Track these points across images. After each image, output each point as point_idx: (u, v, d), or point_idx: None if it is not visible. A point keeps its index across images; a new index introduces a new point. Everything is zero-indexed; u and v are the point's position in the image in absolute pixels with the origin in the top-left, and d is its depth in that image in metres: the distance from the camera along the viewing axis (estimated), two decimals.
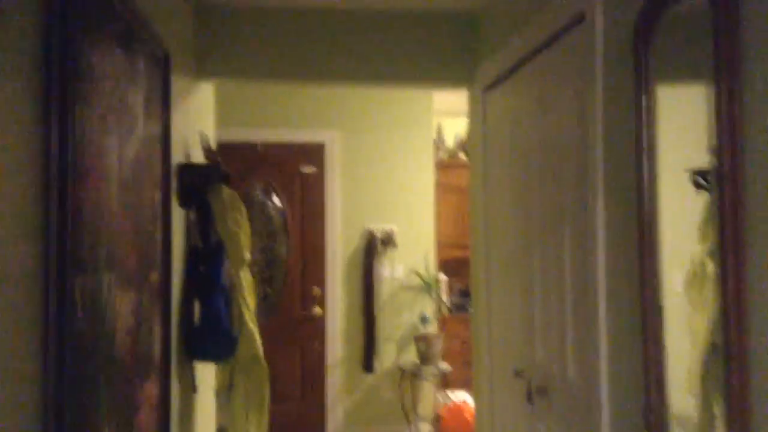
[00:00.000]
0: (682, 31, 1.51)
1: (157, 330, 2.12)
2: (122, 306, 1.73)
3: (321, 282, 4.93)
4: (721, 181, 1.30)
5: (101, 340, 1.57)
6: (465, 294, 5.47)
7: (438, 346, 4.79)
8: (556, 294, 2.20)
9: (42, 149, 1.24)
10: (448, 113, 5.77)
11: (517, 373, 2.48)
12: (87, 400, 1.46)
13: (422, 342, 4.76)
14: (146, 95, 1.95)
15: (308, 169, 4.95)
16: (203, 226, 2.81)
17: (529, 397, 2.35)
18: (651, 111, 1.61)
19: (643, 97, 1.62)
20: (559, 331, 2.17)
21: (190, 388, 2.67)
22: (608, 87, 1.84)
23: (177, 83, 2.44)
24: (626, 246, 1.73)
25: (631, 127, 1.67)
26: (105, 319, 1.59)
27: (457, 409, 4.76)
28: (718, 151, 1.31)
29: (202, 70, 3.03)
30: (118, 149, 1.68)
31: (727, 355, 1.26)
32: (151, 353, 2.05)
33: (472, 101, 3.17)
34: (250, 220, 4.84)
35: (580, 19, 1.98)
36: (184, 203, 2.60)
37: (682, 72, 1.58)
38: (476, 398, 3.25)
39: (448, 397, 4.94)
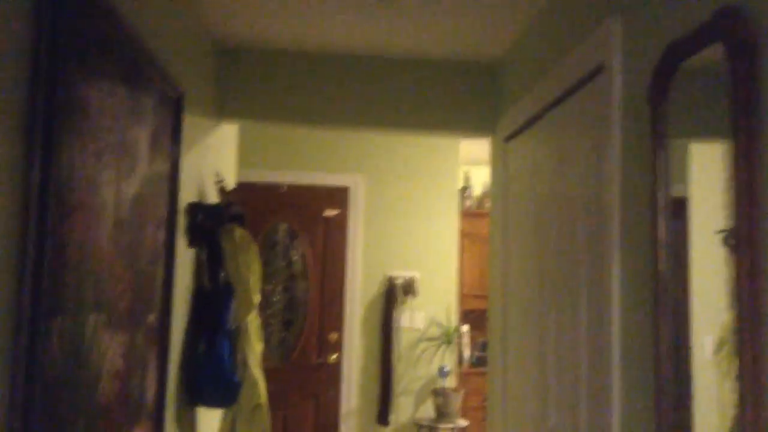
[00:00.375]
0: (699, 85, 1.43)
1: (153, 373, 2.06)
2: (110, 348, 1.67)
3: (339, 328, 4.84)
4: (739, 243, 1.20)
5: (82, 384, 1.51)
6: (487, 347, 5.31)
7: (457, 401, 4.62)
8: (571, 356, 2.08)
9: (22, 183, 1.21)
10: (476, 162, 5.72)
11: None
12: None
13: (440, 396, 4.61)
14: (153, 133, 1.93)
15: (331, 213, 4.92)
16: (213, 266, 2.76)
17: None
18: (667, 167, 1.52)
19: (660, 153, 1.54)
20: (573, 398, 2.05)
21: None
22: (626, 141, 1.76)
23: (191, 123, 2.43)
24: (644, 310, 1.62)
25: (648, 183, 1.58)
26: (88, 361, 1.54)
27: None
28: (736, 212, 1.22)
29: (223, 110, 3.03)
30: (115, 186, 1.65)
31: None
32: (143, 398, 1.99)
33: (494, 150, 3.11)
34: (272, 261, 4.82)
35: (598, 70, 1.92)
36: (193, 243, 2.56)
37: (701, 127, 1.49)
38: None
39: None
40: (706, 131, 1.46)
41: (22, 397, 1.23)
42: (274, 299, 4.81)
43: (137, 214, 1.83)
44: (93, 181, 1.50)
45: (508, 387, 2.80)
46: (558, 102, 2.26)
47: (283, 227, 4.90)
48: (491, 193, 3.21)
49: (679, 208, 1.55)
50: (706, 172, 1.49)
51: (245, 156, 4.24)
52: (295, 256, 4.90)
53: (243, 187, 3.73)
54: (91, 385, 1.57)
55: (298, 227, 4.90)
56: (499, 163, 2.99)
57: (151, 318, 2.01)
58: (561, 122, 2.26)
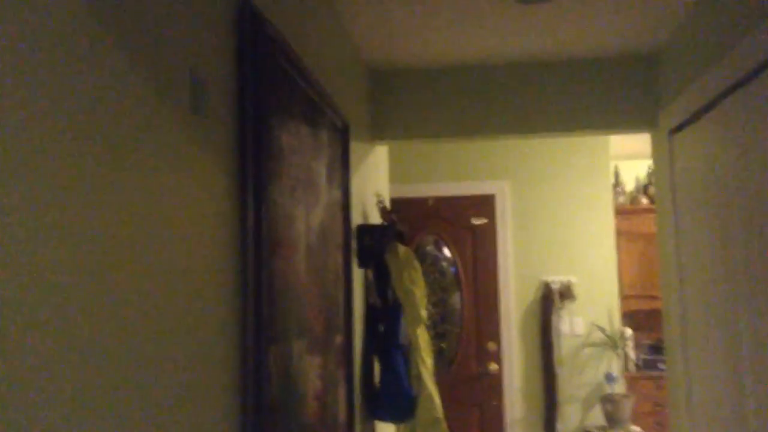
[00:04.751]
0: None
1: (342, 392, 2.15)
2: (311, 371, 1.77)
3: (496, 337, 4.80)
4: None
5: (293, 407, 1.61)
6: (655, 350, 5.06)
7: (627, 407, 4.43)
8: None
9: (239, 223, 1.32)
10: (625, 156, 5.49)
11: None
12: None
13: (609, 403, 4.43)
14: (329, 164, 2.03)
15: (479, 221, 4.91)
16: (380, 284, 2.85)
17: None
18: None
19: None
20: None
21: None
22: None
23: (355, 149, 2.53)
24: None
25: None
26: (296, 385, 1.64)
27: None
28: None
29: (376, 133, 3.13)
30: (305, 218, 1.75)
31: None
32: (336, 416, 2.08)
33: (657, 145, 2.97)
34: (423, 275, 4.89)
35: None
36: (362, 263, 2.66)
37: None
38: None
39: None
40: None
41: (252, 423, 1.33)
42: (429, 311, 4.86)
43: (322, 242, 1.93)
44: (290, 215, 1.60)
45: (693, 393, 2.64)
46: (731, 91, 2.13)
47: (431, 239, 4.95)
48: (656, 188, 3.06)
49: None
50: None
51: (391, 172, 4.34)
52: (446, 267, 4.93)
53: (391, 204, 3.82)
54: (299, 407, 1.67)
55: (447, 238, 4.93)
56: (664, 157, 2.85)
57: (339, 339, 2.11)
58: (738, 111, 2.12)
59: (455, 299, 4.89)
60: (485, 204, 4.91)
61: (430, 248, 4.96)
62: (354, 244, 2.49)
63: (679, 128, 2.64)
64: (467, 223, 4.91)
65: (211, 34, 1.23)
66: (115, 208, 0.88)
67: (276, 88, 1.53)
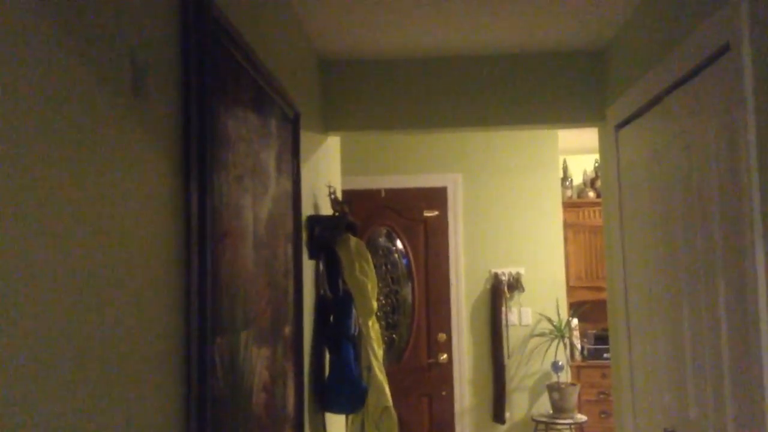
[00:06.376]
0: None
1: (291, 384, 2.14)
2: (258, 363, 1.75)
3: (447, 328, 4.85)
4: None
5: (239, 398, 1.59)
6: (600, 340, 5.18)
7: (573, 395, 4.53)
8: (710, 346, 2.00)
9: (183, 211, 1.29)
10: (574, 150, 5.59)
11: None
12: None
13: (556, 391, 4.53)
14: (278, 154, 2.00)
15: (431, 213, 4.93)
16: (331, 276, 2.84)
17: None
18: None
19: None
20: (716, 387, 1.97)
21: None
22: (761, 120, 1.67)
23: (306, 140, 2.50)
24: None
25: None
26: (243, 377, 1.61)
27: None
28: None
29: (328, 124, 3.11)
30: (252, 208, 1.72)
31: None
32: (285, 407, 2.06)
33: (604, 139, 3.03)
34: (375, 266, 4.89)
35: (723, 50, 1.84)
36: (313, 255, 2.64)
37: None
38: None
39: None
40: None
41: (196, 416, 1.30)
42: (381, 303, 4.87)
43: (270, 233, 1.91)
44: (237, 205, 1.57)
45: (636, 380, 2.72)
46: (676, 86, 2.19)
47: (384, 231, 4.96)
48: (602, 182, 3.13)
49: None
50: None
51: (343, 163, 4.32)
52: (398, 259, 4.95)
53: (343, 195, 3.80)
54: (246, 399, 1.64)
55: (400, 230, 4.95)
56: (610, 151, 2.91)
57: (287, 330, 2.09)
58: (682, 106, 2.18)
59: (407, 291, 4.92)
60: (437, 196, 4.95)
61: (382, 240, 4.97)
62: (304, 236, 2.47)
63: (625, 123, 2.70)
64: (419, 216, 4.94)
65: (154, 15, 1.19)
66: (47, 195, 0.85)
67: (222, 73, 1.49)
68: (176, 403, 1.25)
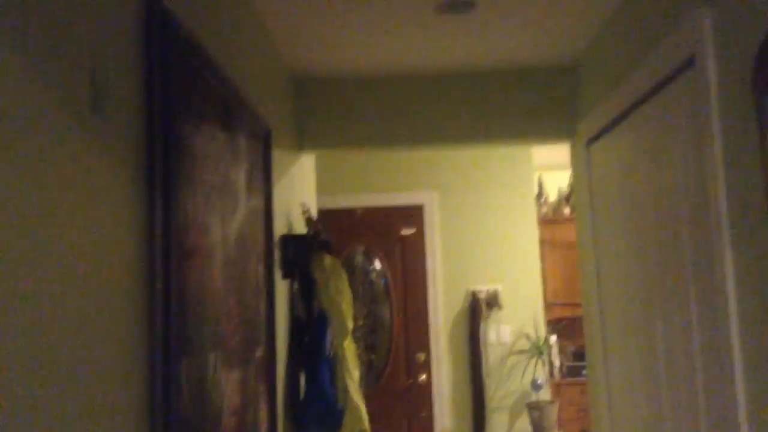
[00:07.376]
0: None
1: (264, 407, 2.09)
2: (228, 385, 1.71)
3: (425, 347, 4.81)
4: None
5: (207, 423, 1.55)
6: (579, 356, 5.18)
7: (553, 414, 4.52)
8: (684, 360, 2.00)
9: (146, 230, 1.26)
10: (548, 167, 5.63)
11: None
12: None
13: (535, 410, 4.51)
14: (248, 171, 1.98)
15: (408, 232, 4.92)
16: (306, 296, 2.80)
17: None
18: None
19: None
20: (690, 401, 1.96)
21: None
22: (727, 132, 1.69)
23: (278, 157, 2.48)
24: (765, 307, 1.54)
25: (756, 173, 1.51)
26: (211, 400, 1.57)
27: None
28: None
29: (302, 142, 3.09)
30: (221, 226, 1.69)
31: None
32: (257, 431, 2.02)
33: (575, 155, 3.05)
34: (352, 285, 4.86)
35: (688, 63, 1.86)
36: (287, 274, 2.61)
37: None
38: None
39: None
40: None
41: None
42: (359, 323, 4.83)
43: (240, 251, 1.88)
44: (204, 223, 1.54)
45: (613, 398, 2.71)
46: (644, 100, 2.21)
47: (360, 250, 4.93)
48: (575, 197, 3.14)
49: None
50: None
51: (319, 182, 4.30)
52: (376, 278, 4.92)
53: (319, 214, 3.78)
54: (214, 423, 1.60)
55: (377, 249, 4.92)
56: (582, 167, 2.93)
57: (259, 352, 2.05)
58: (650, 120, 2.20)
59: (385, 310, 4.88)
60: (414, 214, 4.94)
61: (359, 259, 4.94)
62: (277, 255, 2.44)
63: (596, 138, 2.72)
64: (396, 234, 4.92)
65: (116, 32, 1.18)
66: (4, 214, 0.82)
67: (188, 90, 1.48)
68: (140, 428, 1.22)
